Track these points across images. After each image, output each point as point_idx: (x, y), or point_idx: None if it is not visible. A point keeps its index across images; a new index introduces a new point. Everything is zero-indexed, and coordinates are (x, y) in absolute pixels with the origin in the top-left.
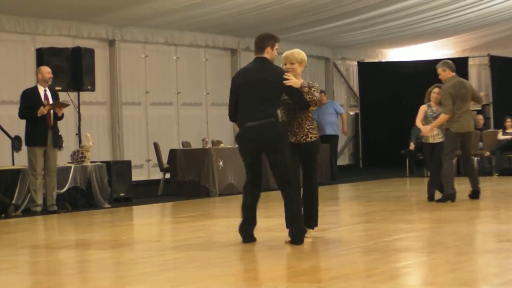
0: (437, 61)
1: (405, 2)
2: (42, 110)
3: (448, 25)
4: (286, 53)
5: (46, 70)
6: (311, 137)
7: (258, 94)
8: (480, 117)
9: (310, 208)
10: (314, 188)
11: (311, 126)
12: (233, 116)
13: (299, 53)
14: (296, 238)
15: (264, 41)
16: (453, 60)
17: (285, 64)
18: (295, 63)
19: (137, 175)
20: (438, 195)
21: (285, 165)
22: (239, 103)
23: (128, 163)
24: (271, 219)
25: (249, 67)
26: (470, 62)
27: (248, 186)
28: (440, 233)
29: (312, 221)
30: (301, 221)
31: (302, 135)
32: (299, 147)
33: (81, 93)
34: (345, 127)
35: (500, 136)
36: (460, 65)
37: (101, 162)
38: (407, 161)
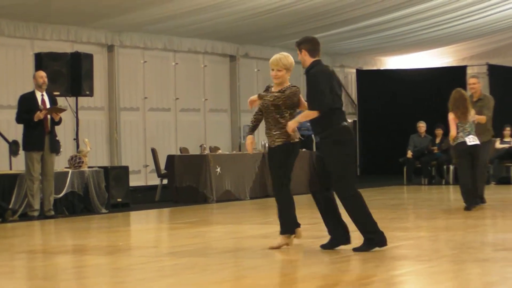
0: (435, 70)
1: (404, 10)
2: (39, 115)
3: (447, 33)
4: (274, 57)
5: (39, 75)
6: (278, 142)
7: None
8: None
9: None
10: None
11: (278, 132)
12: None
13: (287, 58)
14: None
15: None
16: (452, 68)
17: (273, 70)
18: (283, 69)
19: (135, 181)
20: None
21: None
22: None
23: (126, 168)
24: (268, 226)
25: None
26: (469, 70)
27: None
28: (437, 241)
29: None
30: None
31: (270, 140)
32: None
33: (80, 98)
34: None
35: (498, 145)
36: (458, 73)
37: (99, 167)
38: (405, 169)
